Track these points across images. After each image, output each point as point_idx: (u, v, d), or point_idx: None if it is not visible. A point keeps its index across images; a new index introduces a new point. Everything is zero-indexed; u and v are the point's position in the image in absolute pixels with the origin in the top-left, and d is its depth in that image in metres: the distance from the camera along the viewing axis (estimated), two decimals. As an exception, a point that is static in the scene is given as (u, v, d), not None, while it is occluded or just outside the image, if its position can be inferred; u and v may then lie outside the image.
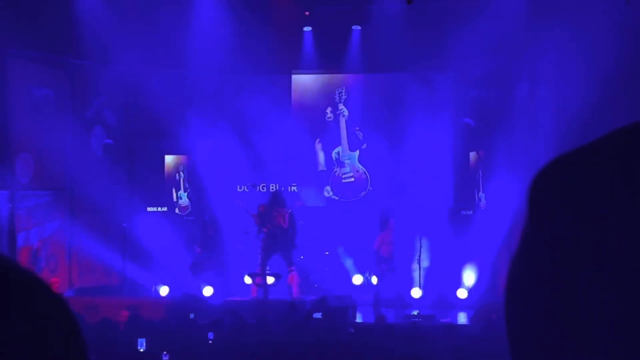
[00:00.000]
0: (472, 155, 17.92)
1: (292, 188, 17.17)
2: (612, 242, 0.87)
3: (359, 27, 18.64)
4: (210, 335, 10.49)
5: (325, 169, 19.08)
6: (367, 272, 18.13)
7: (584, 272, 0.88)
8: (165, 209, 18.36)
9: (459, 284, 16.94)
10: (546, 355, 0.91)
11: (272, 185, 18.32)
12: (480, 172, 17.48)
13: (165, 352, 9.82)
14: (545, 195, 0.93)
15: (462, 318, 15.47)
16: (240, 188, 17.56)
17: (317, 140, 19.10)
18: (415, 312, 15.22)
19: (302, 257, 17.31)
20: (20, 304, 1.06)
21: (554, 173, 0.94)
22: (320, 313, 12.48)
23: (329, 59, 18.84)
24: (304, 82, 19.30)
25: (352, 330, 11.95)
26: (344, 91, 19.14)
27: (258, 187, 16.96)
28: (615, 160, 0.90)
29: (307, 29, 18.92)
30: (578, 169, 0.92)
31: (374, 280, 17.68)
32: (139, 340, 10.01)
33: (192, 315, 12.58)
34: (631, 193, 0.88)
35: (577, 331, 0.88)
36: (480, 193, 17.57)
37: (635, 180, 0.88)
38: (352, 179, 19.01)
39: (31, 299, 1.08)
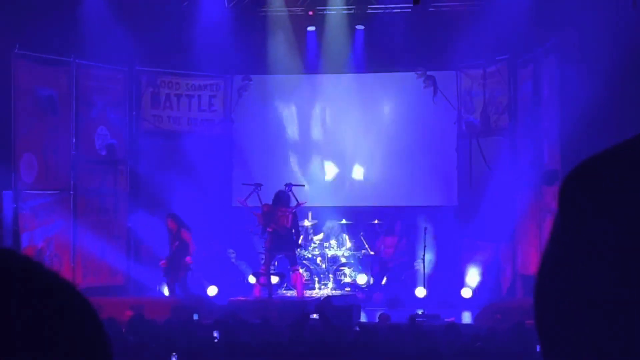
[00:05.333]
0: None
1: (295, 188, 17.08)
2: None
3: (363, 27, 18.57)
4: (216, 333, 10.43)
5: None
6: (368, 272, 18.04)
7: (616, 271, 0.89)
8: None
9: (463, 283, 16.93)
10: (578, 354, 0.92)
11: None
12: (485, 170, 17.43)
13: (174, 354, 9.75)
14: (575, 195, 0.94)
15: (466, 317, 15.45)
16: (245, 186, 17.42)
17: None
18: (419, 312, 15.20)
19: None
20: (50, 306, 1.07)
21: (584, 173, 0.94)
22: (318, 315, 12.38)
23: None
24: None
25: (358, 329, 11.92)
26: None
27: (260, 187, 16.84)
28: None
29: (310, 28, 18.83)
30: (607, 169, 0.92)
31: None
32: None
33: (196, 317, 12.53)
34: None
35: (609, 329, 0.89)
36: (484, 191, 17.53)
37: None
38: None
39: (60, 300, 1.09)
